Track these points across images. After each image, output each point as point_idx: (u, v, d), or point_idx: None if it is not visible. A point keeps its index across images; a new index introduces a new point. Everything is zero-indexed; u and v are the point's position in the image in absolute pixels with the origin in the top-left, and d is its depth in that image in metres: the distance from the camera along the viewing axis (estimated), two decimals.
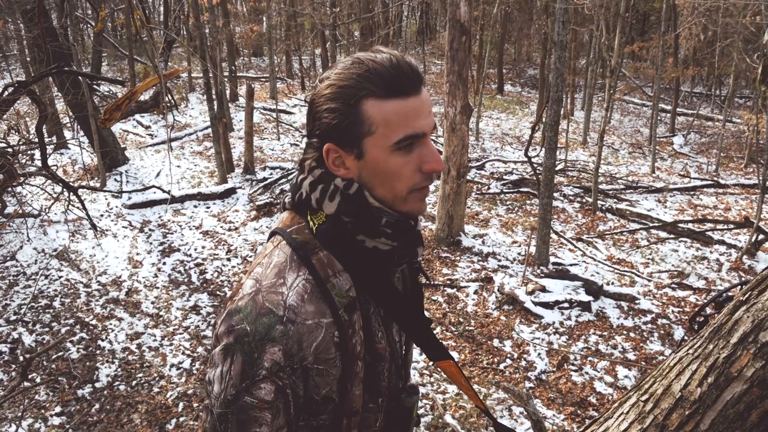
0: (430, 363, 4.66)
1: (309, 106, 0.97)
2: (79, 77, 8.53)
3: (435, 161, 0.95)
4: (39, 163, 6.10)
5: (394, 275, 1.07)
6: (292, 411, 0.91)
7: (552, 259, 6.45)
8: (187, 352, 5.00)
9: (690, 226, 7.65)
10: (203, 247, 7.15)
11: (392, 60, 0.91)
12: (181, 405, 4.30)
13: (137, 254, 6.98)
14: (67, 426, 4.08)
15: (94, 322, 5.48)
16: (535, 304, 5.49)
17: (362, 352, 0.97)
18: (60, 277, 6.35)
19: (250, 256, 6.91)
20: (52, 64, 6.67)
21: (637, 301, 5.68)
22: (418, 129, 0.92)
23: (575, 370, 4.64)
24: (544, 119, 6.73)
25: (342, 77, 0.92)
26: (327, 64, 16.67)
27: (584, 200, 9.08)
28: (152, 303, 5.86)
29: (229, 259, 6.84)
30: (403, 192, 0.95)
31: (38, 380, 4.57)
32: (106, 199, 8.72)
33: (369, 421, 1.04)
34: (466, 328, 5.28)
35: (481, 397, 4.29)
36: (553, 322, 5.31)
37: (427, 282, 5.87)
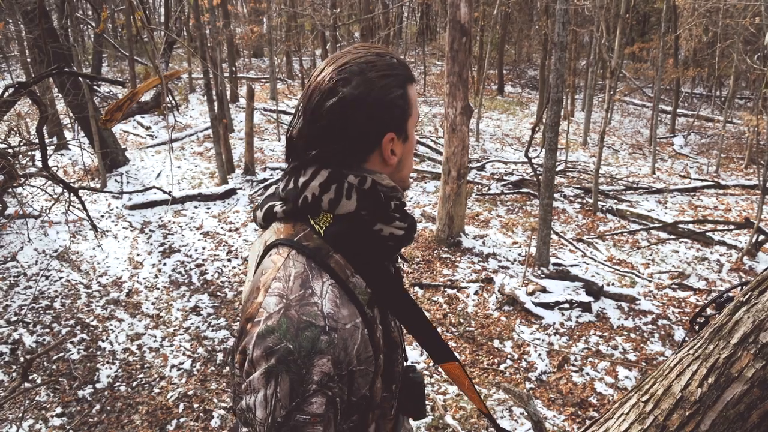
0: (431, 365, 4.67)
1: (338, 107, 0.93)
2: (80, 78, 8.53)
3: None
4: (39, 164, 6.11)
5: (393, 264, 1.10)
6: (339, 417, 0.90)
7: (552, 259, 6.45)
8: (188, 353, 5.00)
9: (690, 226, 7.65)
10: (204, 248, 7.15)
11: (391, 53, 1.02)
12: (181, 406, 4.30)
13: (138, 255, 6.98)
14: (68, 427, 4.08)
15: (94, 323, 5.49)
16: (536, 304, 5.49)
17: (383, 344, 0.98)
18: (60, 278, 6.35)
19: None
20: (52, 65, 6.68)
21: (637, 302, 5.68)
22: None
23: (576, 371, 4.64)
24: (544, 120, 6.73)
25: (384, 67, 0.97)
26: None
27: (585, 201, 9.08)
28: (153, 304, 5.87)
29: (229, 260, 6.84)
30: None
31: (39, 381, 4.57)
32: (107, 199, 8.72)
33: (384, 411, 1.04)
34: (467, 328, 5.28)
35: (482, 398, 4.29)
36: (554, 323, 5.31)
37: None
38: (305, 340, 0.85)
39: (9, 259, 6.67)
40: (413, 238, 1.07)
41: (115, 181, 9.73)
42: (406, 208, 1.05)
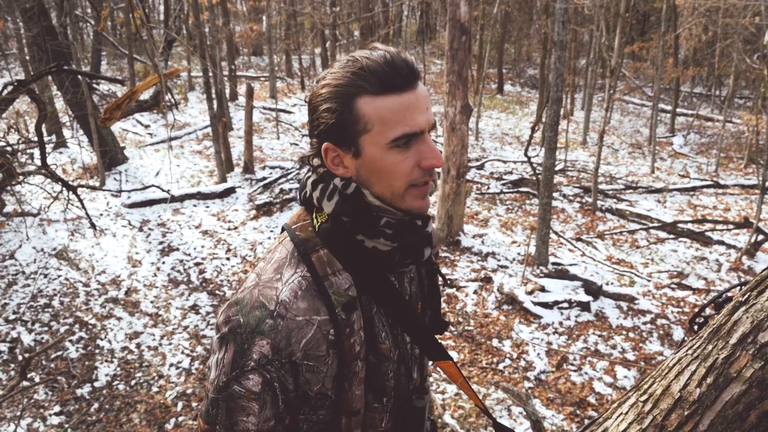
0: (430, 363, 4.67)
1: (308, 107, 0.98)
2: (79, 76, 8.52)
3: (434, 157, 0.93)
4: (38, 162, 6.09)
5: (404, 276, 1.06)
6: (281, 404, 0.93)
7: (551, 259, 6.45)
8: (186, 351, 5.00)
9: (689, 226, 7.65)
10: (202, 247, 7.15)
11: (386, 56, 0.90)
12: (180, 404, 4.30)
13: (136, 253, 6.97)
14: (66, 425, 4.07)
15: (93, 321, 5.48)
16: (535, 304, 5.49)
17: (362, 352, 0.97)
18: (59, 276, 6.35)
19: (250, 256, 6.91)
20: (51, 62, 6.66)
21: (636, 302, 5.68)
22: (415, 127, 0.91)
23: (574, 370, 4.64)
24: (543, 119, 6.73)
25: (337, 76, 0.92)
26: (327, 64, 16.67)
27: (584, 200, 9.08)
28: (151, 302, 5.86)
29: (228, 259, 6.83)
30: (401, 188, 0.94)
31: (37, 379, 4.57)
32: (106, 198, 8.71)
33: (374, 421, 1.03)
34: (466, 328, 5.28)
35: (481, 397, 4.29)
36: (553, 322, 5.31)
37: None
38: (253, 318, 0.90)
39: (7, 257, 6.66)
40: (409, 261, 1.00)
41: (114, 179, 9.72)
42: (411, 229, 0.98)
